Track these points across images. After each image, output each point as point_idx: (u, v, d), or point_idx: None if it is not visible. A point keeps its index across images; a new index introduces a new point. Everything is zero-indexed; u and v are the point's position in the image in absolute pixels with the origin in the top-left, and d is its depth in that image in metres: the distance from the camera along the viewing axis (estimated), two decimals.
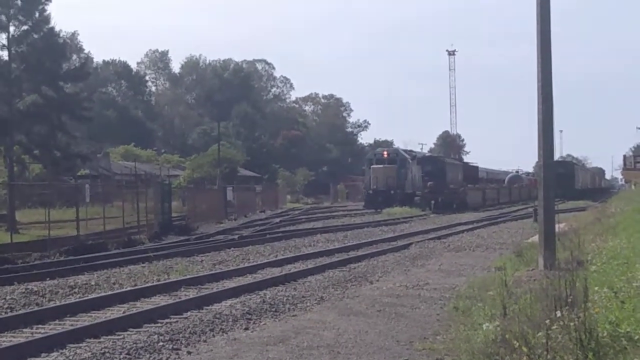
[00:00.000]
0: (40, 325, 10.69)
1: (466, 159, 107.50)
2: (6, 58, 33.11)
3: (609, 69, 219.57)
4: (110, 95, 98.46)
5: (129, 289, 14.14)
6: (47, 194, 27.27)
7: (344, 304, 12.27)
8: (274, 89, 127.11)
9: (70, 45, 68.16)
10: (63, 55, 37.78)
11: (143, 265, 18.47)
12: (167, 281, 15.03)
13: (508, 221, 37.78)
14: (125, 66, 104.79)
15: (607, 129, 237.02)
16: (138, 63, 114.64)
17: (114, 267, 17.99)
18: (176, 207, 39.31)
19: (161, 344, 9.27)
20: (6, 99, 32.80)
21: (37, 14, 33.49)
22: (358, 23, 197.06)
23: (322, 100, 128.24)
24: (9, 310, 12.09)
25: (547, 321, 6.63)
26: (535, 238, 16.49)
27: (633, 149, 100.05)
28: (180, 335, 9.78)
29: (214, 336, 9.82)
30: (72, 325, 10.64)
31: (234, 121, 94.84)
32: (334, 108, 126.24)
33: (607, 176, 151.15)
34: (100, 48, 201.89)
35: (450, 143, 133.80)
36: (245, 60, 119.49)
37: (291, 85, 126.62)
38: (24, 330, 10.42)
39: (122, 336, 9.82)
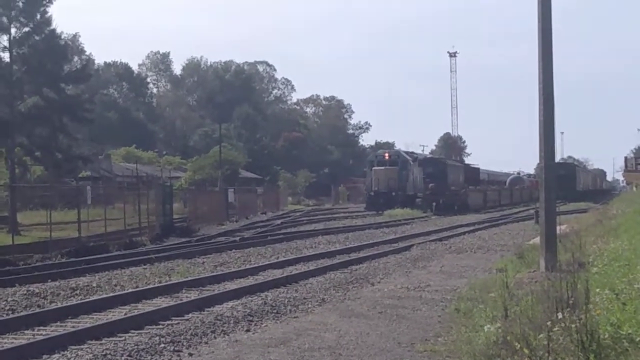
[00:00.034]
0: (41, 327, 10.70)
1: (467, 160, 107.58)
2: (7, 60, 33.19)
3: (609, 69, 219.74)
4: (112, 97, 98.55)
5: (130, 290, 14.14)
6: (49, 196, 27.27)
7: (345, 305, 12.27)
8: (275, 91, 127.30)
9: (72, 47, 68.32)
10: (64, 57, 37.87)
11: (144, 267, 18.48)
12: (168, 283, 15.03)
13: (509, 223, 37.76)
14: (126, 68, 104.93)
15: (608, 130, 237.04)
16: (139, 65, 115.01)
17: (115, 268, 18.00)
18: (177, 209, 39.33)
19: (162, 345, 9.28)
20: (7, 101, 32.86)
21: (38, 16, 33.57)
22: (358, 23, 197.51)
23: (323, 102, 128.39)
24: (10, 312, 12.10)
25: (549, 323, 6.63)
26: (537, 240, 16.48)
27: (634, 151, 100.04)
28: (182, 336, 9.78)
29: (215, 338, 9.82)
30: (73, 327, 10.64)
31: (235, 123, 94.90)
32: (335, 110, 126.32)
33: (609, 178, 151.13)
34: (101, 50, 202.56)
35: (452, 145, 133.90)
36: (246, 62, 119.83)
37: (292, 87, 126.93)
38: (26, 331, 10.42)
39: (123, 338, 9.82)
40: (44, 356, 8.84)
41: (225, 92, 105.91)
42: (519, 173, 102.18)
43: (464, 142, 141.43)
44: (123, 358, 8.69)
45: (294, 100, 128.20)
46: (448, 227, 34.17)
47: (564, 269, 10.75)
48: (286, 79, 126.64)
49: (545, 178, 13.88)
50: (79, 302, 12.83)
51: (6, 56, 33.17)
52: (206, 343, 9.51)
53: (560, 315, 6.74)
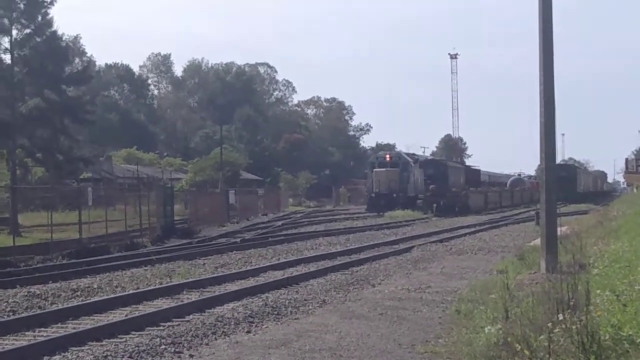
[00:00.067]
0: (42, 329, 10.71)
1: (468, 162, 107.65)
2: (9, 61, 33.27)
3: (609, 69, 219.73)
4: (113, 98, 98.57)
5: (131, 292, 14.15)
6: (50, 197, 27.30)
7: (346, 307, 12.27)
8: (276, 92, 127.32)
9: (73, 48, 68.29)
10: (65, 59, 37.95)
11: (145, 268, 18.48)
12: (169, 284, 15.03)
13: (510, 224, 37.76)
14: (127, 69, 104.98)
15: (609, 132, 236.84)
16: (140, 66, 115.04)
17: (116, 270, 18.00)
18: (178, 211, 39.33)
19: (163, 347, 9.28)
20: (9, 103, 32.91)
21: (39, 18, 33.63)
22: (358, 23, 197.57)
23: (324, 104, 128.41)
24: (11, 314, 12.10)
25: (549, 324, 6.63)
26: (537, 241, 16.48)
27: (635, 152, 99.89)
28: (183, 338, 9.78)
29: (216, 339, 9.83)
30: (74, 328, 10.65)
31: (237, 124, 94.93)
32: (336, 111, 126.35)
33: (609, 179, 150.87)
34: (102, 51, 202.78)
35: (452, 146, 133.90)
36: (247, 64, 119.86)
37: (293, 89, 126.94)
38: (27, 333, 10.43)
39: (124, 339, 9.82)
40: (45, 357, 8.84)
41: (226, 93, 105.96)
42: (519, 174, 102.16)
43: (465, 143, 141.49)
44: (124, 359, 8.70)
45: (295, 101, 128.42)
46: (449, 228, 34.16)
47: (564, 271, 10.74)
48: (287, 81, 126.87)
49: (546, 179, 13.88)
50: (79, 303, 12.83)
51: (7, 58, 33.29)
52: (207, 344, 9.51)
53: (561, 317, 6.74)
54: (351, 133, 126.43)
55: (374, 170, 52.73)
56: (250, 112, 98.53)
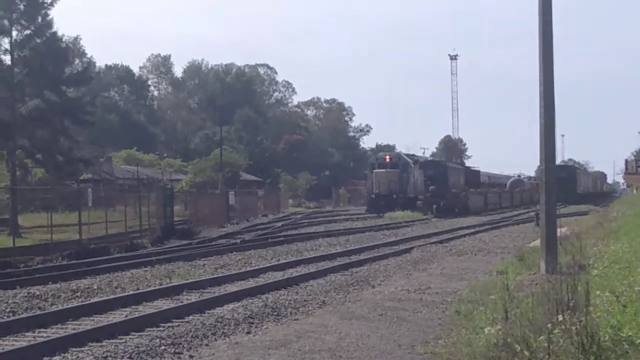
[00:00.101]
0: (42, 329, 10.71)
1: (468, 163, 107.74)
2: (9, 62, 33.28)
3: (609, 70, 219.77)
4: (113, 99, 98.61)
5: (131, 292, 14.14)
6: (50, 198, 27.32)
7: (345, 308, 12.28)
8: (276, 94, 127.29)
9: (73, 49, 68.22)
10: (65, 60, 37.94)
11: (145, 269, 18.48)
12: (169, 285, 15.03)
13: (510, 225, 37.77)
14: (127, 70, 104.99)
15: (608, 133, 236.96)
16: (140, 67, 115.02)
17: (116, 271, 18.01)
18: (178, 212, 39.34)
19: (163, 347, 9.29)
20: (9, 104, 32.91)
21: (39, 19, 33.63)
22: (358, 24, 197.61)
23: (324, 105, 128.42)
24: (11, 314, 12.10)
25: (549, 325, 6.63)
26: (537, 242, 16.49)
27: (635, 153, 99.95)
28: (182, 339, 9.79)
29: (216, 340, 9.83)
30: (74, 329, 10.65)
31: (236, 125, 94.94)
32: (336, 112, 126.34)
33: (609, 180, 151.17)
34: (102, 52, 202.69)
35: (452, 147, 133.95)
36: (247, 65, 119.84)
37: (293, 90, 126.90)
38: (26, 334, 10.43)
39: (124, 340, 9.83)
40: (45, 358, 8.85)
41: (226, 94, 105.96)
42: (519, 175, 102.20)
43: (465, 144, 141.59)
44: None
45: (295, 102, 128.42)
46: (449, 229, 34.16)
47: (564, 272, 10.74)
48: (287, 82, 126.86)
49: (546, 180, 13.89)
50: (79, 304, 12.83)
51: (7, 59, 33.28)
52: (207, 345, 9.52)
53: (560, 318, 6.74)
54: (351, 134, 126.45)
55: (374, 171, 52.75)
56: (250, 113, 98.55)
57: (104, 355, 8.84)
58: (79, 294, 14.29)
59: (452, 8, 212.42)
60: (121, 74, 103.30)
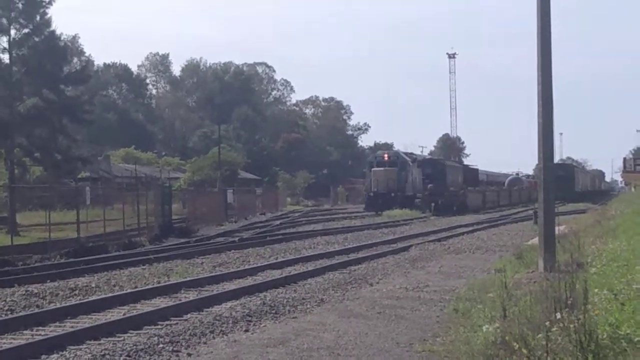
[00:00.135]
0: (40, 327, 10.70)
1: (466, 161, 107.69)
2: (7, 61, 33.21)
3: (609, 69, 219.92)
4: (111, 98, 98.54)
5: (129, 291, 14.15)
6: (48, 197, 27.27)
7: (344, 306, 12.28)
8: (274, 92, 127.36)
9: (71, 48, 68.22)
10: (64, 58, 37.89)
11: (143, 267, 18.48)
12: (167, 283, 15.04)
13: (508, 223, 37.78)
14: (125, 69, 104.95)
15: (607, 131, 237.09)
16: (139, 66, 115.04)
17: (114, 269, 18.00)
18: (176, 210, 39.35)
19: (161, 345, 9.28)
20: (7, 102, 32.87)
21: (38, 17, 33.57)
22: (358, 24, 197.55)
23: (323, 103, 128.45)
24: (9, 312, 12.10)
25: (547, 323, 6.64)
26: (535, 240, 16.50)
27: (633, 152, 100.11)
28: (181, 337, 9.78)
29: (214, 338, 9.83)
30: (72, 327, 10.65)
31: (235, 124, 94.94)
32: (334, 111, 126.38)
33: (607, 179, 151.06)
34: (100, 51, 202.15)
35: (451, 146, 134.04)
36: (245, 63, 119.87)
37: (291, 88, 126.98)
38: (24, 332, 10.42)
39: (122, 338, 9.82)
40: (43, 356, 8.84)
41: (224, 93, 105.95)
42: (517, 174, 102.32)
43: (463, 143, 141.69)
44: (122, 358, 8.70)
45: (293, 101, 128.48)
46: (447, 227, 34.17)
47: (562, 270, 10.74)
48: (285, 80, 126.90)
49: (544, 179, 13.89)
50: (77, 302, 12.83)
51: (6, 57, 33.23)
52: (205, 343, 9.52)
53: (558, 316, 6.75)
54: (349, 132, 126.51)
55: (372, 169, 52.76)
56: (249, 112, 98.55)
57: (102, 353, 8.83)
58: (77, 292, 14.28)
59: (452, 8, 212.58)
60: (119, 73, 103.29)
